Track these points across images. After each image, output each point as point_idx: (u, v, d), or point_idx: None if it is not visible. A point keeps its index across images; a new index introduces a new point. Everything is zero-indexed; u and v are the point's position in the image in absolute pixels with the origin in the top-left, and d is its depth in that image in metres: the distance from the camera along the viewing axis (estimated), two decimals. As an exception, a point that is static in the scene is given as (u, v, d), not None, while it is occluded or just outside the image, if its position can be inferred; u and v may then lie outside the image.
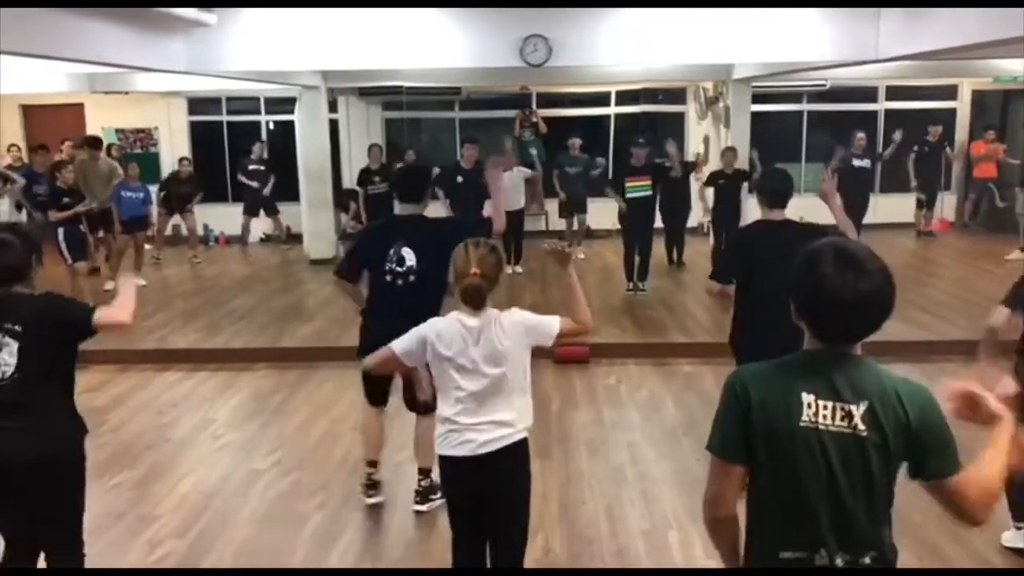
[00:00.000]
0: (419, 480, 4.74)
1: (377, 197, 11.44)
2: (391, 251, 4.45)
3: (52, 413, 3.28)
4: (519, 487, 3.26)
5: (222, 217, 13.66)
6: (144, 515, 4.71)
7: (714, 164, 12.13)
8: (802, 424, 1.99)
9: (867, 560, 2.05)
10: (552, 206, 12.98)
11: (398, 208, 4.69)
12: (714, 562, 2.33)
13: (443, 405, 3.22)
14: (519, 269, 10.73)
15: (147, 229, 11.04)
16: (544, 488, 4.93)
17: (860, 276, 1.94)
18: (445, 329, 3.16)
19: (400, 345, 3.24)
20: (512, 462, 3.18)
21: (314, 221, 12.16)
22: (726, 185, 10.28)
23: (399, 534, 4.54)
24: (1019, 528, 4.15)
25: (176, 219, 12.90)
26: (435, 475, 4.72)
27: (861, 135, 11.80)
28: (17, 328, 3.13)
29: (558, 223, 12.63)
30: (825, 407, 1.99)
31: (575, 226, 12.27)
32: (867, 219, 11.38)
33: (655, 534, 4.39)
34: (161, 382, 7.15)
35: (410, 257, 4.43)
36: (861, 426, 1.97)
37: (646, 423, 6.01)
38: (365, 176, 11.84)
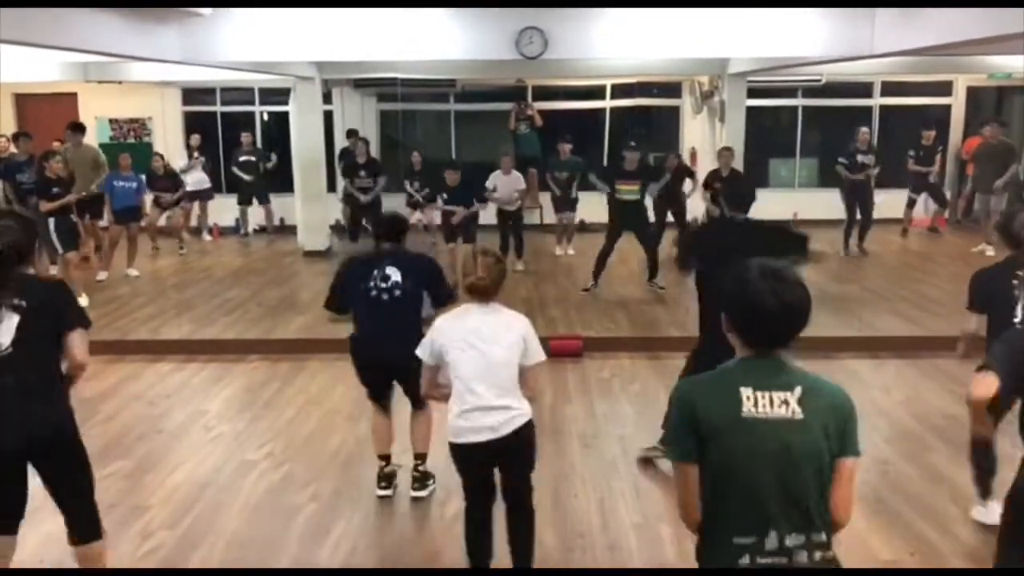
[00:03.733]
0: (415, 466, 4.78)
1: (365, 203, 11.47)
2: (375, 271, 4.65)
3: (45, 386, 3.33)
4: (528, 463, 3.74)
5: (215, 208, 13.61)
6: (136, 506, 4.70)
7: (709, 163, 12.18)
8: (744, 416, 2.17)
9: (822, 537, 2.21)
10: (546, 199, 12.95)
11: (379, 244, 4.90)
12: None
13: (452, 400, 3.54)
14: (520, 266, 10.70)
15: (140, 220, 10.98)
16: (536, 481, 4.92)
17: (783, 287, 2.18)
18: (445, 324, 3.60)
19: (426, 352, 3.60)
20: (521, 441, 3.57)
21: (308, 212, 12.13)
22: (723, 188, 10.22)
23: (392, 525, 4.54)
24: (984, 506, 4.31)
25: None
26: (431, 462, 4.76)
27: (865, 130, 11.80)
28: (23, 304, 3.19)
29: (552, 217, 12.59)
30: (763, 397, 2.19)
31: (564, 222, 12.28)
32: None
33: (647, 527, 4.40)
34: (153, 373, 7.14)
35: (395, 274, 4.63)
36: (798, 410, 2.18)
37: (639, 417, 6.01)
38: (351, 169, 11.76)
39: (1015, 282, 4.11)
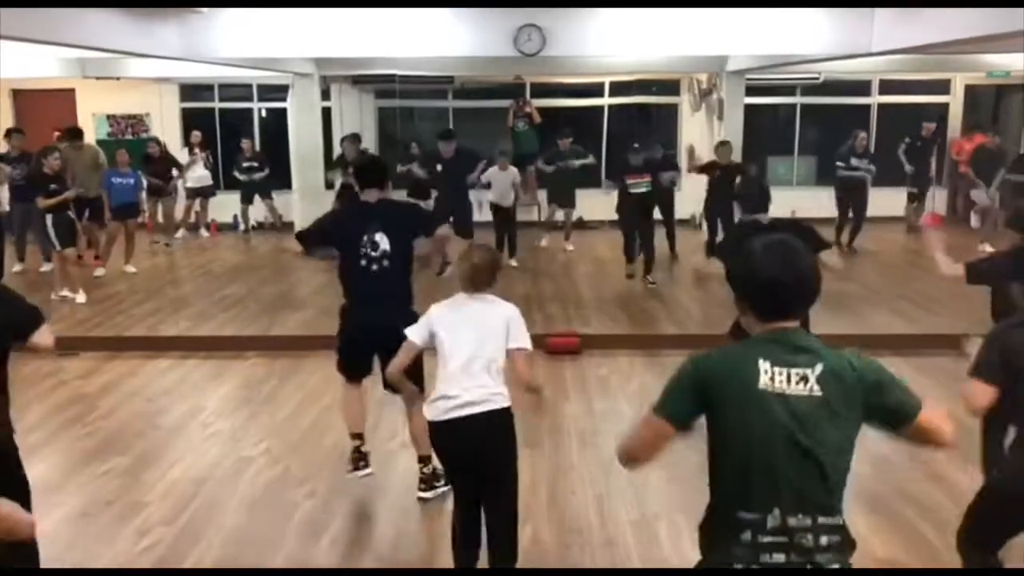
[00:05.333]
0: (421, 468, 4.73)
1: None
2: (364, 237, 4.62)
3: None
4: (504, 450, 3.61)
5: (213, 205, 13.59)
6: (133, 502, 4.70)
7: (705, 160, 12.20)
8: (760, 388, 2.12)
9: (834, 520, 2.15)
10: (544, 195, 12.96)
11: (362, 196, 4.81)
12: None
13: (438, 382, 3.60)
14: (514, 263, 10.73)
15: (137, 216, 10.98)
16: (534, 478, 4.93)
17: (791, 256, 2.18)
18: (440, 309, 3.68)
19: (417, 334, 3.70)
20: (493, 425, 3.54)
21: (306, 209, 12.08)
22: (721, 177, 10.30)
23: (389, 522, 4.54)
24: None
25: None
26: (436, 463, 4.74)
27: (863, 135, 11.81)
28: None
29: (550, 214, 12.60)
30: (781, 372, 2.12)
31: (561, 217, 12.29)
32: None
33: (644, 524, 4.41)
34: (151, 369, 7.13)
35: (384, 242, 4.62)
36: (817, 388, 2.11)
37: (637, 414, 5.96)
38: (340, 164, 11.69)
39: None
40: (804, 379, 2.12)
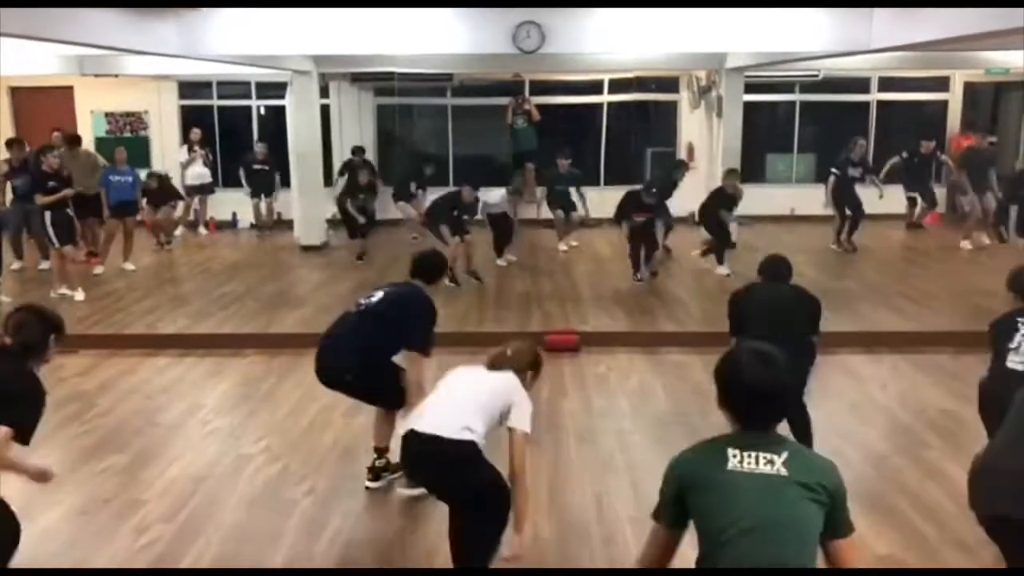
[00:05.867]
0: (375, 460, 4.84)
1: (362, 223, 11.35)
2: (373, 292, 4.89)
3: None
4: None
5: (213, 202, 13.58)
6: (132, 500, 4.70)
7: (706, 159, 12.22)
8: (728, 469, 2.27)
9: None
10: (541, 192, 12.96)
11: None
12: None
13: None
14: (512, 258, 10.75)
15: (136, 214, 10.95)
16: (533, 475, 4.93)
17: (775, 371, 2.32)
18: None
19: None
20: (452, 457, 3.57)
21: (305, 207, 12.11)
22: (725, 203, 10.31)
23: (389, 520, 4.54)
24: None
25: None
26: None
27: (862, 143, 11.84)
28: None
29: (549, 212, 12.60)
30: (749, 455, 2.28)
31: (563, 218, 12.28)
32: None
33: (643, 522, 4.36)
34: (150, 367, 7.13)
35: (377, 294, 4.78)
36: (783, 470, 2.26)
37: (635, 412, 6.02)
38: (353, 187, 11.60)
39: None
40: (771, 462, 2.26)
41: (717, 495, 2.25)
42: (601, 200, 11.86)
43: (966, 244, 11.50)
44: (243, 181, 13.16)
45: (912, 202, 12.90)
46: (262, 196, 13.26)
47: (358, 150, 12.75)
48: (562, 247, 11.76)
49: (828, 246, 11.48)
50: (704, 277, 9.94)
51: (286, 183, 12.80)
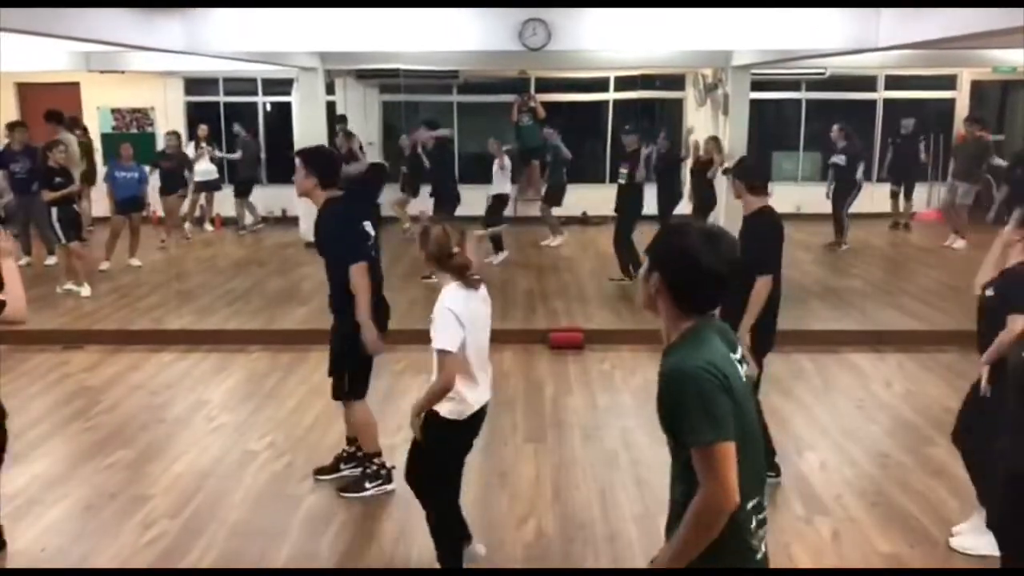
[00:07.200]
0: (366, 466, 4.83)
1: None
2: (360, 229, 4.68)
3: None
4: None
5: (218, 199, 13.59)
6: (137, 496, 4.71)
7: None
8: (744, 380, 2.17)
9: (764, 501, 2.20)
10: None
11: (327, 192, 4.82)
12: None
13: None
14: (504, 254, 10.79)
15: (142, 210, 10.96)
16: (537, 472, 4.95)
17: (728, 250, 2.12)
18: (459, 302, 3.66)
19: (454, 343, 3.58)
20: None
21: (309, 202, 12.07)
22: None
23: (393, 516, 4.54)
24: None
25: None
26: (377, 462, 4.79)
27: (836, 127, 11.81)
28: None
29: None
30: (733, 356, 2.17)
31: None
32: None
33: (647, 519, 4.41)
34: (155, 363, 7.14)
35: (370, 228, 4.72)
36: (744, 367, 2.21)
37: (640, 409, 6.02)
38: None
39: None
40: (741, 361, 2.20)
41: (744, 407, 2.10)
42: (606, 198, 11.83)
43: (957, 241, 11.42)
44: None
45: (894, 195, 12.86)
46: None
47: (340, 119, 12.67)
48: (553, 243, 11.82)
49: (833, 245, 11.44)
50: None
51: (290, 178, 12.77)
